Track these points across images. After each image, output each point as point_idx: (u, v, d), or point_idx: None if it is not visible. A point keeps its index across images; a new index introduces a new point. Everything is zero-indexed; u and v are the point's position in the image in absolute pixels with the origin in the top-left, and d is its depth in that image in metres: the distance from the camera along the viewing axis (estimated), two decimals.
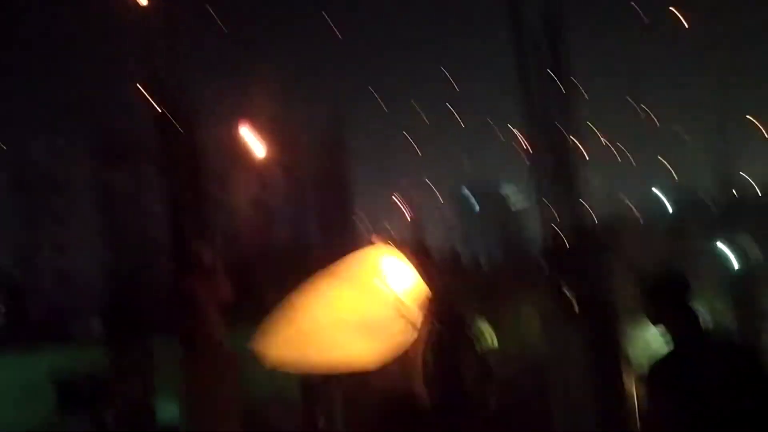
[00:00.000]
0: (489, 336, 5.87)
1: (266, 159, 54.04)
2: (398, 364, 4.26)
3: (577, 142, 4.94)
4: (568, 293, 4.88)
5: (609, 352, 4.57)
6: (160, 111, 4.22)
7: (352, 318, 3.27)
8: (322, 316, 3.40)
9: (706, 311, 2.87)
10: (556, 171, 4.92)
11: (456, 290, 4.67)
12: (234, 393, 3.60)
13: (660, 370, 2.63)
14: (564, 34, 4.90)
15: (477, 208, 67.54)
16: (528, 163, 5.11)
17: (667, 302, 2.66)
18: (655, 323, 2.72)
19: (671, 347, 2.64)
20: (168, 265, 4.68)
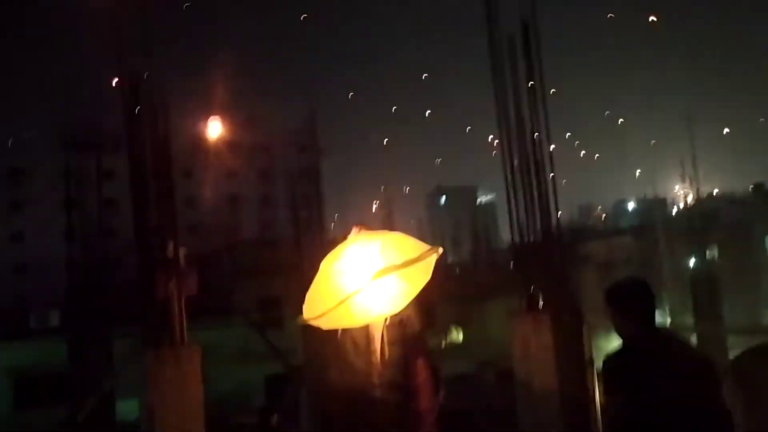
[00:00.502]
0: (455, 331, 5.87)
1: (236, 153, 53.41)
2: (357, 359, 4.26)
3: (548, 147, 4.99)
4: (534, 291, 4.92)
5: (573, 351, 4.62)
6: (127, 101, 4.14)
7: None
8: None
9: (666, 311, 2.96)
10: (527, 173, 4.95)
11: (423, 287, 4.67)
12: (197, 389, 3.55)
13: (611, 365, 2.72)
14: (539, 41, 4.94)
15: (444, 201, 68.10)
16: (501, 164, 5.13)
17: (627, 306, 2.77)
18: (614, 323, 2.81)
19: (623, 344, 2.76)
20: (132, 258, 4.59)
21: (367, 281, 3.49)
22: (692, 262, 27.46)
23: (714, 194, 51.61)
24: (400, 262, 3.55)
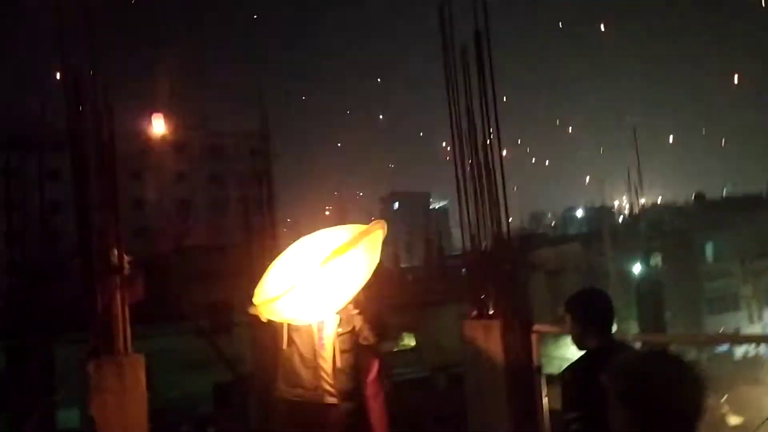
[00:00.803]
0: (406, 337, 5.87)
1: (185, 155, 52.41)
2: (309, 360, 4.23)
3: (500, 154, 5.03)
4: (484, 298, 4.96)
5: (522, 357, 4.66)
6: (70, 98, 4.00)
7: None
8: None
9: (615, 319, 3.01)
10: (479, 180, 4.99)
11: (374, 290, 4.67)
12: (140, 398, 3.44)
13: (573, 375, 2.75)
14: (491, 49, 5.00)
15: (397, 207, 68.43)
16: (454, 171, 5.16)
17: (589, 315, 2.84)
18: (574, 332, 2.85)
19: (585, 354, 2.80)
20: (75, 263, 4.44)
21: (317, 268, 3.52)
22: (637, 269, 28.23)
23: (658, 203, 53.31)
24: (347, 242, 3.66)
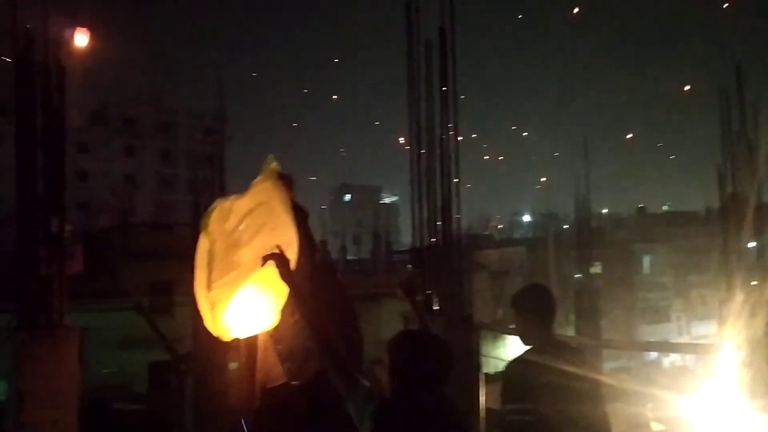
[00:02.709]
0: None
1: (136, 130, 51.06)
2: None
3: (455, 152, 5.08)
4: (429, 293, 5.01)
5: (463, 353, 4.73)
6: (19, 64, 3.85)
7: None
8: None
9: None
10: (432, 176, 5.03)
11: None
12: (72, 372, 3.34)
13: (516, 370, 2.83)
14: (454, 50, 5.02)
15: (348, 199, 68.38)
16: (409, 166, 5.18)
17: (534, 310, 2.90)
18: (519, 327, 2.91)
19: (529, 350, 2.86)
20: (13, 230, 4.28)
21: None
22: (577, 276, 28.95)
23: (603, 213, 54.77)
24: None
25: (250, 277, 3.24)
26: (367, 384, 2.26)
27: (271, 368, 4.09)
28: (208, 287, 3.40)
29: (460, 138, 5.05)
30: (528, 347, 2.89)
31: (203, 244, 3.45)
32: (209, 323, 3.47)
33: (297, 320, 3.73)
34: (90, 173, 45.14)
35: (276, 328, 3.73)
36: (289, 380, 4.09)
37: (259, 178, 3.22)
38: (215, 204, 3.27)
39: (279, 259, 2.72)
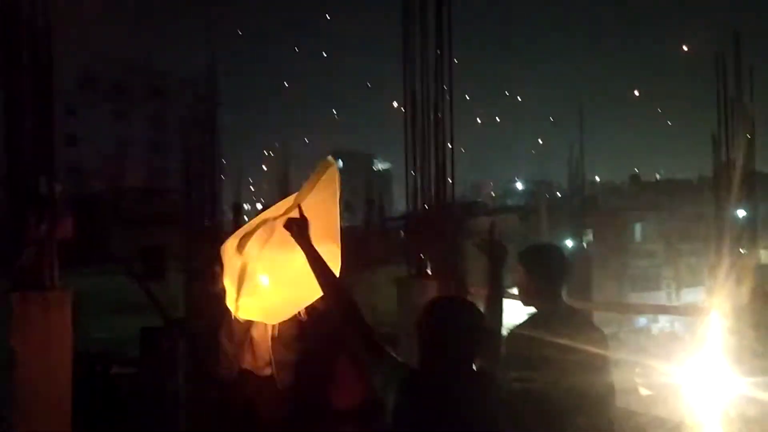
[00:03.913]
0: None
1: (126, 94, 50.51)
2: None
3: (450, 117, 5.03)
4: (423, 259, 5.01)
5: None
6: (5, 20, 3.75)
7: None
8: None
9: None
10: (427, 141, 4.99)
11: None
12: (66, 335, 3.34)
13: (517, 336, 2.59)
14: (449, 15, 4.94)
15: (340, 164, 68.43)
16: (403, 130, 5.14)
17: (544, 268, 2.65)
18: (526, 286, 2.67)
19: (532, 315, 2.64)
20: (1, 192, 4.22)
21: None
22: (570, 243, 29.13)
23: (596, 181, 54.92)
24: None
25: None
26: (394, 354, 2.15)
27: (263, 355, 4.03)
28: (237, 298, 3.17)
29: (453, 104, 5.00)
30: (532, 311, 2.64)
31: (234, 262, 3.22)
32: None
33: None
34: (79, 138, 44.71)
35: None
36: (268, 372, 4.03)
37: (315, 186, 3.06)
38: (256, 223, 3.17)
39: (298, 225, 2.50)
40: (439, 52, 4.94)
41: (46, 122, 3.50)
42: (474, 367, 2.10)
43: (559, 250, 2.76)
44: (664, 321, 34.19)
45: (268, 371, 3.99)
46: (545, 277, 2.60)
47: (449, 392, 2.00)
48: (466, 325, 2.05)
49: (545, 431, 2.43)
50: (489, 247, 2.77)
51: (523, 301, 2.68)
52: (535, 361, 2.41)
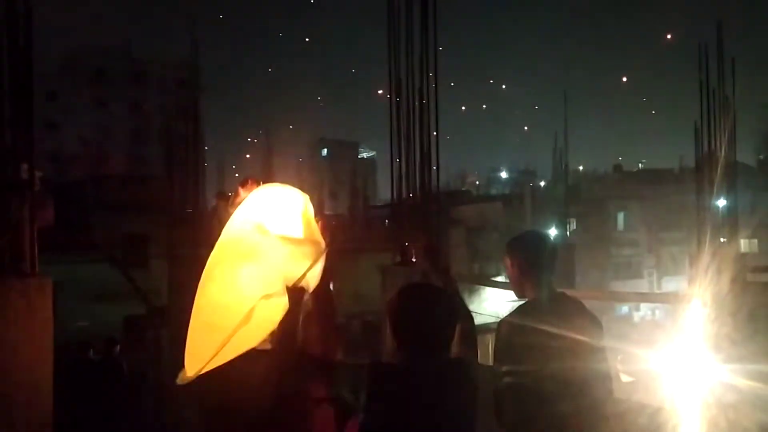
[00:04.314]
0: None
1: (103, 79, 49.74)
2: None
3: (435, 104, 5.02)
4: (407, 246, 5.02)
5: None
6: None
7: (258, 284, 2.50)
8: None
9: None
10: (413, 129, 4.99)
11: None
12: (46, 322, 3.30)
13: (507, 327, 2.51)
14: (434, 1, 4.92)
15: (326, 153, 68.05)
16: (389, 119, 5.12)
17: (534, 258, 2.58)
18: (517, 275, 2.61)
19: (522, 305, 2.57)
20: None
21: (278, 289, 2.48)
22: (554, 232, 29.32)
23: (580, 170, 55.26)
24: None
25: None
26: (346, 362, 2.22)
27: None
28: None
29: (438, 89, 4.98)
30: (523, 301, 2.57)
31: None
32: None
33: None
34: (59, 124, 44.13)
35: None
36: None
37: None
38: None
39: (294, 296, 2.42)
40: (424, 35, 4.91)
41: (26, 108, 3.44)
42: (450, 355, 2.07)
43: (544, 235, 2.74)
44: (645, 309, 34.61)
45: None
46: (533, 265, 2.54)
47: (421, 380, 1.98)
48: (437, 312, 2.03)
49: (537, 416, 2.39)
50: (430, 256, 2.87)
51: (515, 293, 2.64)
52: (528, 348, 2.37)
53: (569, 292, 2.71)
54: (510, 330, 2.45)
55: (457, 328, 2.16)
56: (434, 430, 1.97)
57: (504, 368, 2.41)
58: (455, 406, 2.01)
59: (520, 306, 2.55)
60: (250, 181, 4.21)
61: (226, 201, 4.20)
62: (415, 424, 1.95)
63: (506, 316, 2.53)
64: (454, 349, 2.14)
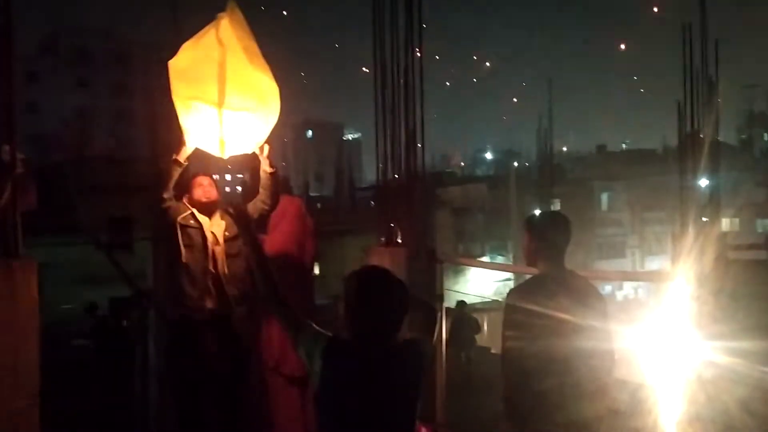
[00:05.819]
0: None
1: (89, 61, 49.09)
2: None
3: (421, 83, 5.00)
4: (393, 227, 5.03)
5: (426, 286, 4.79)
6: None
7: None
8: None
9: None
10: (398, 109, 4.97)
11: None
12: (31, 304, 3.29)
13: (515, 297, 2.70)
14: None
15: (311, 135, 67.79)
16: (373, 98, 5.10)
17: (551, 235, 2.77)
18: (532, 251, 2.78)
19: (532, 278, 2.79)
20: None
21: None
22: (538, 212, 29.60)
23: (564, 150, 55.40)
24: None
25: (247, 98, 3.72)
26: (314, 325, 2.26)
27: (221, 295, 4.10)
28: (220, 103, 3.64)
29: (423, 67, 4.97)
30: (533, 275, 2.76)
31: (213, 54, 3.84)
32: (215, 142, 3.88)
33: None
34: (41, 105, 43.49)
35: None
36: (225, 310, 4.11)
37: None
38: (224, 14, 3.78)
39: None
40: (409, 11, 4.89)
41: (6, 89, 3.39)
42: (400, 336, 2.23)
43: (567, 219, 2.85)
44: (628, 288, 35.01)
45: (223, 309, 4.06)
46: (550, 244, 2.72)
47: (371, 358, 2.14)
48: (389, 295, 2.18)
49: (533, 387, 2.53)
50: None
51: (527, 263, 2.81)
52: (532, 320, 2.52)
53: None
54: (513, 301, 2.63)
55: (418, 317, 2.40)
56: (381, 405, 2.14)
57: (508, 333, 2.59)
58: (402, 382, 2.18)
59: (530, 278, 2.76)
60: (200, 178, 4.26)
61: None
62: (364, 398, 2.12)
63: (514, 288, 2.78)
64: (411, 334, 2.36)
